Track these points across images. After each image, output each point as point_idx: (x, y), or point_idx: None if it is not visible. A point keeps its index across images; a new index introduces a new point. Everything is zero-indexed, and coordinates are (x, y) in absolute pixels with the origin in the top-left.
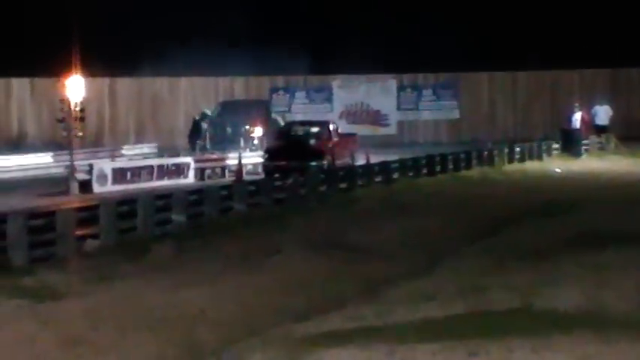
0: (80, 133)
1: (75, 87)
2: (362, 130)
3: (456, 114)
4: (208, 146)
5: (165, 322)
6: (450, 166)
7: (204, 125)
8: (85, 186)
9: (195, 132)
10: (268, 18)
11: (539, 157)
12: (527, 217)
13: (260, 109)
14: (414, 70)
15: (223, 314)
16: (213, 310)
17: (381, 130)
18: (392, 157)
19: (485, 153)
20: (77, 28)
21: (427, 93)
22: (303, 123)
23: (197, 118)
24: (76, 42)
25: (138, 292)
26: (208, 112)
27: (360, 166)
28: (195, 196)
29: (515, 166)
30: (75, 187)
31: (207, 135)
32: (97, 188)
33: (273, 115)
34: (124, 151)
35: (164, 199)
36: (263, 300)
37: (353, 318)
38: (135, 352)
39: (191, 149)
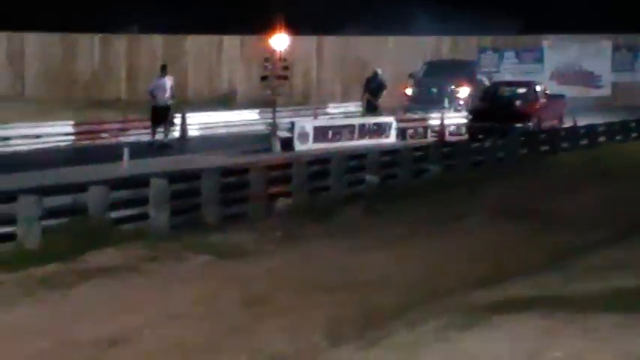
0: (281, 92)
1: (280, 45)
2: (574, 92)
3: None
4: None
5: (346, 284)
6: None
7: (373, 85)
8: (287, 144)
9: (368, 91)
10: None
11: None
12: None
13: (466, 69)
14: (631, 30)
15: (405, 278)
16: (396, 274)
17: (594, 92)
18: (603, 120)
19: None
20: None
21: None
22: (509, 84)
23: (370, 76)
24: (283, 1)
25: (322, 253)
26: (379, 72)
27: (564, 129)
28: (389, 157)
29: None
30: (277, 145)
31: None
32: (298, 146)
33: (479, 76)
34: (329, 109)
35: (357, 159)
36: (447, 265)
37: (538, 286)
38: (313, 314)
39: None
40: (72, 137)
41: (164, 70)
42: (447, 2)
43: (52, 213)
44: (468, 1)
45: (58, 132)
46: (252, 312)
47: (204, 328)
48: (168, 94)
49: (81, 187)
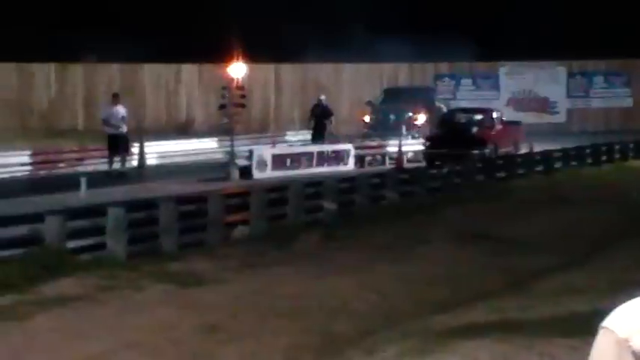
0: (238, 120)
1: (237, 73)
2: (529, 117)
3: (628, 102)
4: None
5: (305, 311)
6: (617, 156)
7: (318, 112)
8: (245, 172)
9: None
10: (434, 4)
11: None
12: None
13: (424, 95)
14: (585, 57)
15: (364, 304)
16: (355, 300)
17: (550, 118)
18: (558, 145)
19: None
20: (243, 16)
21: (598, 80)
22: (465, 110)
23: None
24: (240, 28)
25: (282, 280)
26: (323, 98)
27: (520, 155)
28: (347, 184)
29: None
30: (235, 173)
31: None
32: (256, 174)
33: (437, 103)
34: (287, 137)
35: (315, 186)
36: (406, 291)
37: (495, 310)
38: (271, 341)
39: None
40: (29, 167)
41: (116, 99)
42: (403, 29)
43: (7, 243)
44: (425, 28)
45: (15, 162)
46: (211, 339)
47: (162, 356)
48: (121, 122)
49: (37, 217)
